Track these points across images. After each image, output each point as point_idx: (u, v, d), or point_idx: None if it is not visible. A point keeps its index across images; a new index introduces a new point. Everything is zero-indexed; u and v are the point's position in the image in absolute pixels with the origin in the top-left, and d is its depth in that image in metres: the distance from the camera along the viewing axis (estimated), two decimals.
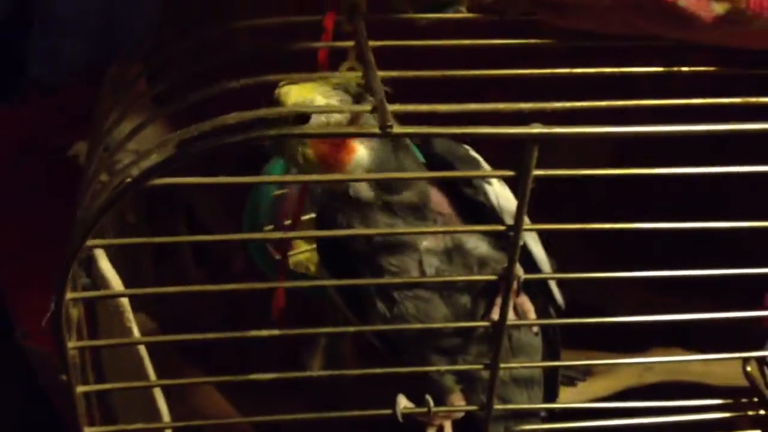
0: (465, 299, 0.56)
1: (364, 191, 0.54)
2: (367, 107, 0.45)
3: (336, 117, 0.52)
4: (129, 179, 0.43)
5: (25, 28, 0.41)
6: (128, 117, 0.56)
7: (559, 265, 0.62)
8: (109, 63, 0.58)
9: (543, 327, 0.61)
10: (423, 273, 0.55)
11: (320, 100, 0.52)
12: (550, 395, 0.64)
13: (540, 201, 0.52)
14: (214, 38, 0.55)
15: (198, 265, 0.99)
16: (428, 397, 0.55)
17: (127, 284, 0.85)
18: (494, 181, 0.56)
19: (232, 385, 0.82)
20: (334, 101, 0.52)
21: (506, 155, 0.47)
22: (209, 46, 0.55)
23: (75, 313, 0.52)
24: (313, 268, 0.65)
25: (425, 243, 0.55)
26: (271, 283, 0.56)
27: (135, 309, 0.89)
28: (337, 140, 0.52)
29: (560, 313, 0.61)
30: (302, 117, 0.51)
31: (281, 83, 0.51)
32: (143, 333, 0.84)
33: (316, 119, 0.52)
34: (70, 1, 0.43)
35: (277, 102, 0.51)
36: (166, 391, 0.83)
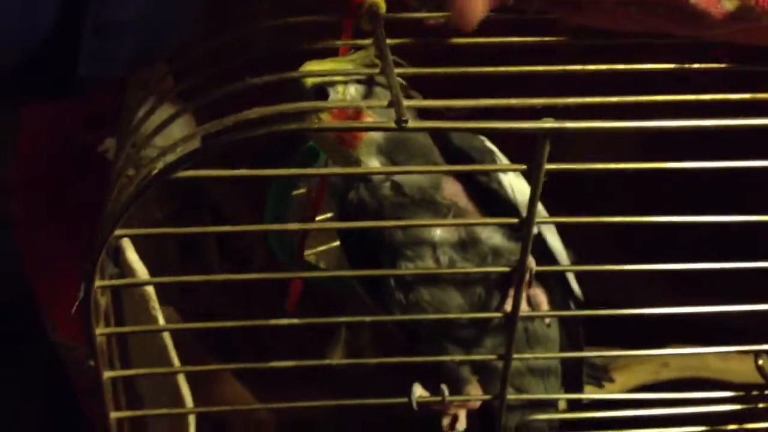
0: (479, 289, 0.57)
1: (374, 164, 0.55)
2: (384, 102, 0.46)
3: (352, 93, 0.54)
4: (155, 171, 0.45)
5: (75, 29, 0.43)
6: (155, 114, 0.58)
7: (580, 261, 0.62)
8: (155, 63, 0.60)
9: (563, 320, 0.62)
10: (437, 260, 0.57)
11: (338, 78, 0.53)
12: (575, 390, 0.65)
13: (565, 197, 0.53)
14: (238, 37, 0.57)
15: (222, 262, 1.01)
16: (443, 387, 0.56)
17: (150, 273, 0.88)
18: (510, 173, 0.58)
19: (253, 379, 0.84)
20: (352, 78, 0.54)
21: (525, 148, 0.48)
22: (233, 44, 0.57)
23: (103, 301, 0.54)
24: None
25: (439, 231, 0.56)
26: (290, 273, 0.58)
27: (161, 303, 0.92)
28: (352, 114, 0.53)
29: (579, 306, 0.62)
30: (321, 93, 0.53)
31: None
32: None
33: (333, 95, 0.53)
34: (125, 5, 0.44)
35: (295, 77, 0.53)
36: (190, 385, 0.86)
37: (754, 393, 0.60)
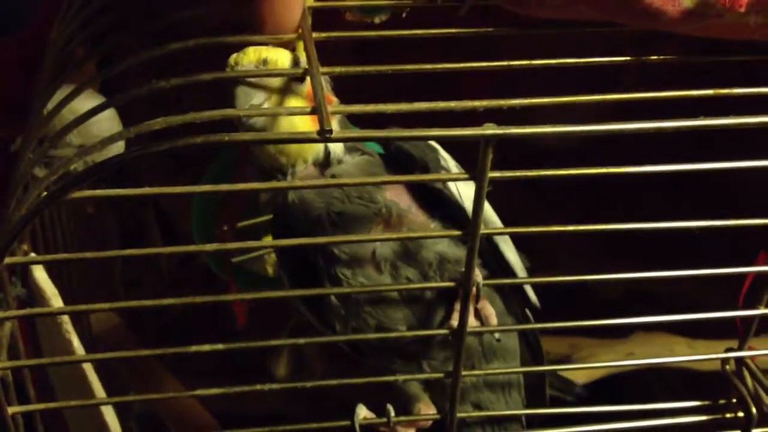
0: (425, 299, 0.53)
1: (338, 148, 0.51)
2: (307, 108, 0.41)
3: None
4: (45, 193, 0.40)
5: None
6: (71, 105, 0.53)
7: (541, 250, 0.58)
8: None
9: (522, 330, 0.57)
10: (377, 266, 0.52)
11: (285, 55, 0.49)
12: (539, 400, 0.61)
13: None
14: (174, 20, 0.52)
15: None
16: (389, 407, 0.52)
17: (92, 270, 0.83)
18: (454, 170, 0.53)
19: (200, 374, 0.80)
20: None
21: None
22: (168, 26, 0.52)
23: (8, 326, 0.48)
24: (271, 271, 0.61)
25: (379, 234, 0.52)
26: (225, 296, 0.52)
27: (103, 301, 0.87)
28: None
29: (536, 313, 0.58)
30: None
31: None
32: (106, 330, 0.82)
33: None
34: None
35: (233, 66, 0.49)
36: (132, 381, 0.82)
37: (722, 402, 0.56)
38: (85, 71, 0.57)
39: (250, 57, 0.49)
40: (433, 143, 0.53)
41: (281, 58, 0.49)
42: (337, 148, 0.52)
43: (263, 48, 0.49)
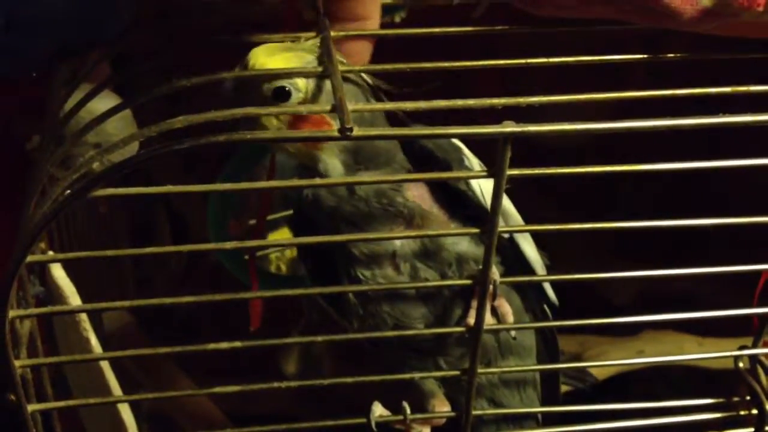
0: (443, 298, 0.53)
1: (336, 163, 0.50)
2: (327, 107, 0.42)
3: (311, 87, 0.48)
4: (68, 191, 0.40)
5: None
6: (87, 106, 0.53)
7: (554, 253, 0.58)
8: (78, 59, 0.55)
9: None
10: (397, 267, 0.52)
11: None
12: (552, 396, 0.61)
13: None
14: (188, 21, 0.52)
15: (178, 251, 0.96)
16: (405, 404, 0.52)
17: (104, 268, 0.83)
18: (477, 169, 0.53)
19: (210, 373, 0.80)
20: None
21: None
22: (181, 28, 0.52)
23: (27, 324, 0.49)
24: (284, 268, 0.61)
25: (398, 235, 0.51)
26: (243, 294, 0.52)
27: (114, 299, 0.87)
28: (316, 118, 0.47)
29: (555, 311, 0.58)
30: (282, 94, 0.47)
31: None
32: (118, 328, 0.82)
33: (296, 95, 0.47)
34: (41, 2, 0.40)
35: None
36: (143, 378, 0.82)
37: (735, 399, 0.56)
38: (99, 70, 0.57)
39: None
40: (456, 142, 0.53)
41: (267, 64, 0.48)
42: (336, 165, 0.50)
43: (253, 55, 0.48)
